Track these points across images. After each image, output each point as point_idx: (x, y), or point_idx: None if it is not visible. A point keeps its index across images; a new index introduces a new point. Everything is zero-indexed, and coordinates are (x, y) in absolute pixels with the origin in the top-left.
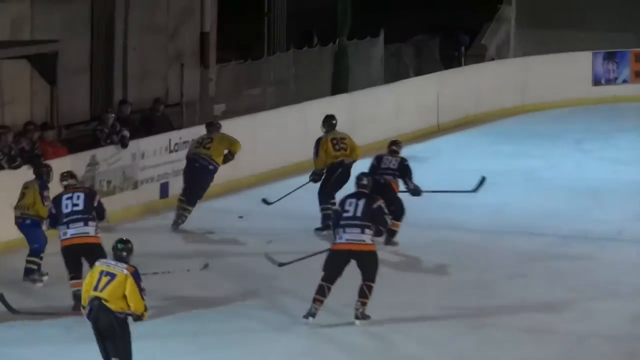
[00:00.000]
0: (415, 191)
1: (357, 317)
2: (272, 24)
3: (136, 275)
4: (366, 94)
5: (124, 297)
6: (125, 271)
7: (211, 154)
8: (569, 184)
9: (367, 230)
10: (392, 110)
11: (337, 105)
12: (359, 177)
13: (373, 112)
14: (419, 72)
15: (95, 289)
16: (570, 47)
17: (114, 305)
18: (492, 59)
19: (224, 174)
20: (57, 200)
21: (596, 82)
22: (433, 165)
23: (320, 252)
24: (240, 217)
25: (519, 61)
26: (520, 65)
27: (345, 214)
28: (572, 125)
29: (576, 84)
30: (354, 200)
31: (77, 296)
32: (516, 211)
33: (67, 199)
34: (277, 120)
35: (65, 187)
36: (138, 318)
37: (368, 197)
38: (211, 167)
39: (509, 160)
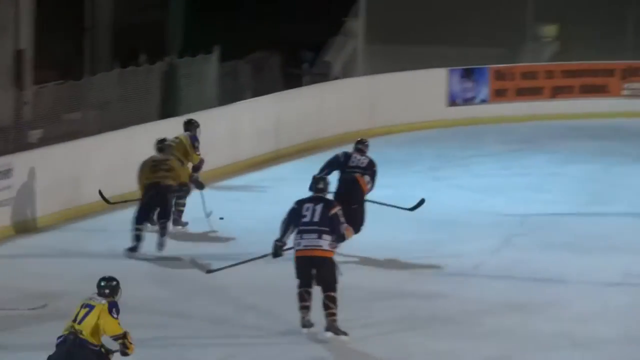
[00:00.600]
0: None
1: (327, 329)
2: (95, 40)
3: (111, 305)
4: (198, 117)
5: (100, 331)
6: (103, 301)
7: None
8: (422, 215)
9: (324, 236)
10: (227, 134)
11: (167, 129)
12: (316, 181)
13: (206, 137)
14: (257, 93)
15: (75, 320)
16: (424, 64)
17: (88, 337)
18: (338, 78)
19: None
20: None
21: (452, 102)
22: (273, 195)
23: (255, 259)
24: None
25: (366, 80)
26: (368, 84)
27: (303, 219)
28: (426, 150)
29: (430, 104)
30: (311, 205)
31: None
32: (361, 245)
33: None
34: (100, 146)
35: None
36: (124, 350)
37: (326, 202)
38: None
39: None
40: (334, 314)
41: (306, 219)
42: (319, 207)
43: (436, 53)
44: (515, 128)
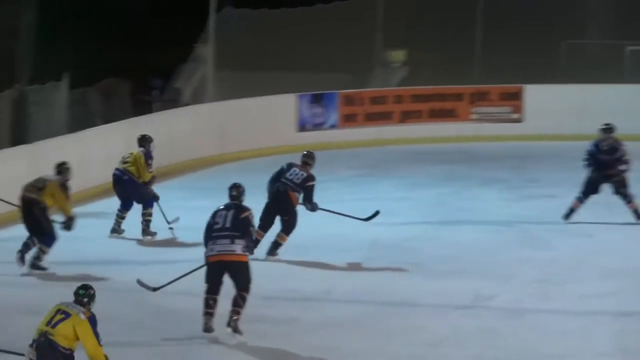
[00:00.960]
0: (312, 208)
1: (228, 324)
2: None
3: (92, 321)
4: (48, 144)
5: (75, 339)
6: (82, 315)
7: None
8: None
9: (237, 241)
10: (77, 161)
11: (18, 157)
12: (230, 188)
13: None
14: (107, 120)
15: (48, 324)
16: (274, 90)
17: (61, 341)
18: (188, 104)
19: None
20: None
21: (302, 127)
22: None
23: (195, 270)
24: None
25: (217, 106)
26: (218, 110)
27: (215, 226)
28: None
29: (280, 129)
30: (223, 212)
31: None
32: None
33: None
34: None
35: None
36: None
37: (237, 208)
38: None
39: (205, 216)
40: (239, 312)
41: (218, 225)
42: (230, 213)
43: (286, 79)
44: (365, 153)
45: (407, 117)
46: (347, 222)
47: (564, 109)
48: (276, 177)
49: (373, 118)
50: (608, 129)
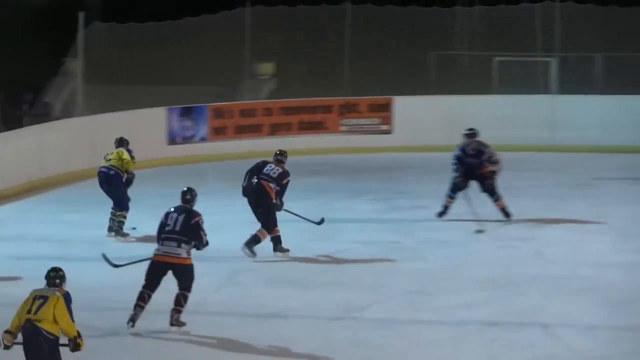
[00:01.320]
0: (279, 208)
1: (171, 324)
2: None
3: (67, 298)
4: None
5: (55, 321)
6: (57, 293)
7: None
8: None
9: (183, 245)
10: None
11: None
12: (183, 192)
13: None
14: None
15: (29, 312)
16: (144, 103)
17: (45, 326)
18: (58, 118)
19: None
20: None
21: (172, 140)
22: None
23: (145, 260)
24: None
25: (87, 120)
26: (88, 124)
27: (166, 227)
28: (149, 188)
29: (151, 143)
30: (175, 215)
31: None
32: (86, 284)
33: None
34: None
35: None
36: (75, 347)
37: (188, 212)
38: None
39: (75, 230)
40: (180, 311)
41: (169, 228)
42: (181, 217)
43: (156, 92)
44: (235, 165)
45: (276, 129)
46: (219, 234)
47: (433, 120)
48: (252, 174)
49: (243, 131)
50: (471, 134)
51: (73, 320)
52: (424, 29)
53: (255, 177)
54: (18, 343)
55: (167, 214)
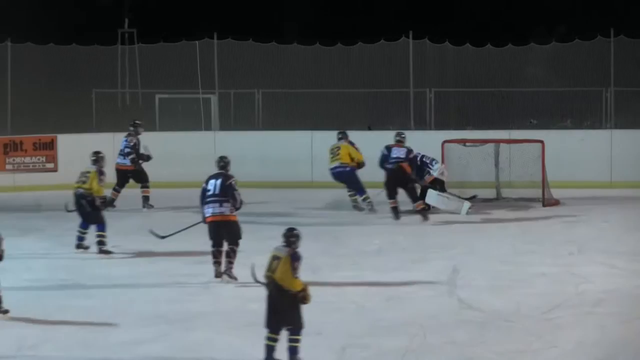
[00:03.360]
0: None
1: (224, 273)
2: None
3: (294, 257)
4: None
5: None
6: (284, 253)
7: None
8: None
9: (224, 204)
10: None
11: None
12: (217, 160)
13: None
14: None
15: (269, 270)
16: None
17: (284, 284)
18: None
19: None
20: None
21: None
22: None
23: (195, 224)
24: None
25: None
26: None
27: (208, 192)
28: None
29: None
30: (213, 180)
31: None
32: None
33: None
34: None
35: None
36: (302, 299)
37: (224, 176)
38: None
39: None
40: (232, 262)
41: (210, 192)
42: (219, 181)
43: None
44: None
45: None
46: None
47: None
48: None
49: None
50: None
51: (295, 277)
52: (87, 67)
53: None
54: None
55: (208, 181)
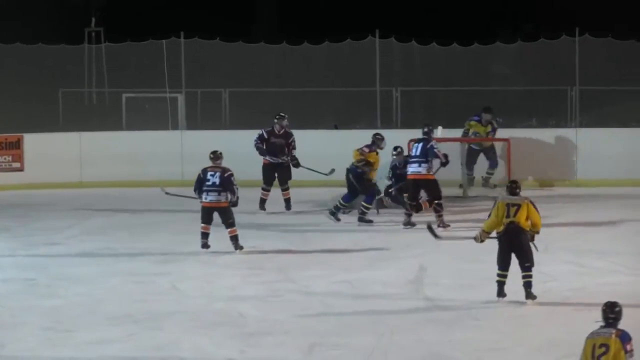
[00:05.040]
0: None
1: (236, 249)
2: None
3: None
4: None
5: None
6: (525, 200)
7: None
8: None
9: (222, 193)
10: None
11: None
12: (210, 155)
13: None
14: None
15: (507, 216)
16: None
17: (524, 225)
18: None
19: None
20: None
21: None
22: None
23: (196, 198)
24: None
25: None
26: None
27: (207, 182)
28: None
29: None
30: (212, 172)
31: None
32: None
33: None
34: None
35: None
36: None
37: (222, 169)
38: None
39: None
40: (236, 237)
41: (209, 183)
42: (218, 174)
43: None
44: None
45: None
46: None
47: (64, 157)
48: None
49: None
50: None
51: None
52: (53, 66)
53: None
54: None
55: (205, 172)
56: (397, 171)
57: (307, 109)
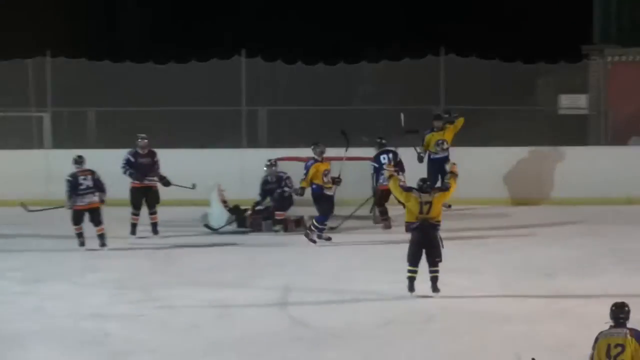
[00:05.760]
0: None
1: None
2: None
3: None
4: None
5: None
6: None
7: None
8: None
9: (96, 194)
10: None
11: None
12: (76, 159)
13: None
14: None
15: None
16: None
17: None
18: None
19: None
20: None
21: None
22: None
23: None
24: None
25: None
26: None
27: (81, 186)
28: None
29: None
30: (84, 176)
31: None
32: None
33: None
34: None
35: None
36: None
37: (92, 172)
38: None
39: None
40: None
41: (83, 186)
42: (89, 177)
43: None
44: None
45: None
46: None
47: None
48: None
49: None
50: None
51: None
52: None
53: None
54: None
55: (76, 176)
56: (268, 186)
57: (173, 129)
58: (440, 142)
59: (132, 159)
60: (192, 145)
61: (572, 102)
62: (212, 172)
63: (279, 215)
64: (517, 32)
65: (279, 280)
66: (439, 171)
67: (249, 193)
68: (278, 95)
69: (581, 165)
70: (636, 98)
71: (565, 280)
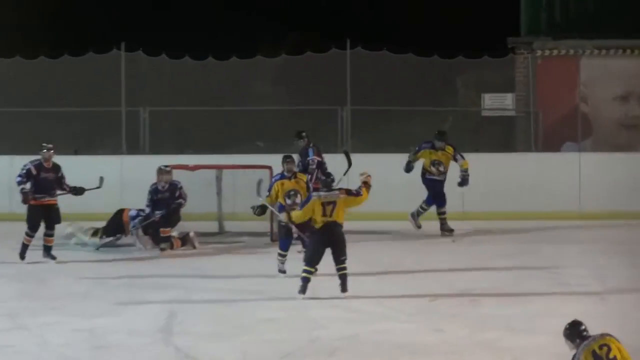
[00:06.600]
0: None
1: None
2: None
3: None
4: None
5: None
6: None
7: None
8: None
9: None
10: None
11: None
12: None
13: None
14: None
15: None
16: None
17: None
18: None
19: None
20: None
21: None
22: None
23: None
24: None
25: None
26: None
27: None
28: None
29: None
30: (47, 175)
31: None
32: None
33: None
34: None
35: None
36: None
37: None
38: None
39: None
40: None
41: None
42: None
43: None
44: None
45: None
46: None
47: None
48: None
49: None
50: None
51: None
52: None
53: None
54: None
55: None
56: (158, 195)
57: (43, 132)
58: (436, 162)
59: (33, 171)
60: (64, 152)
61: (497, 102)
62: (87, 182)
63: (164, 232)
64: (434, 23)
65: (163, 306)
66: (434, 195)
67: (128, 204)
68: (162, 94)
69: (507, 174)
70: (569, 98)
71: (491, 308)
